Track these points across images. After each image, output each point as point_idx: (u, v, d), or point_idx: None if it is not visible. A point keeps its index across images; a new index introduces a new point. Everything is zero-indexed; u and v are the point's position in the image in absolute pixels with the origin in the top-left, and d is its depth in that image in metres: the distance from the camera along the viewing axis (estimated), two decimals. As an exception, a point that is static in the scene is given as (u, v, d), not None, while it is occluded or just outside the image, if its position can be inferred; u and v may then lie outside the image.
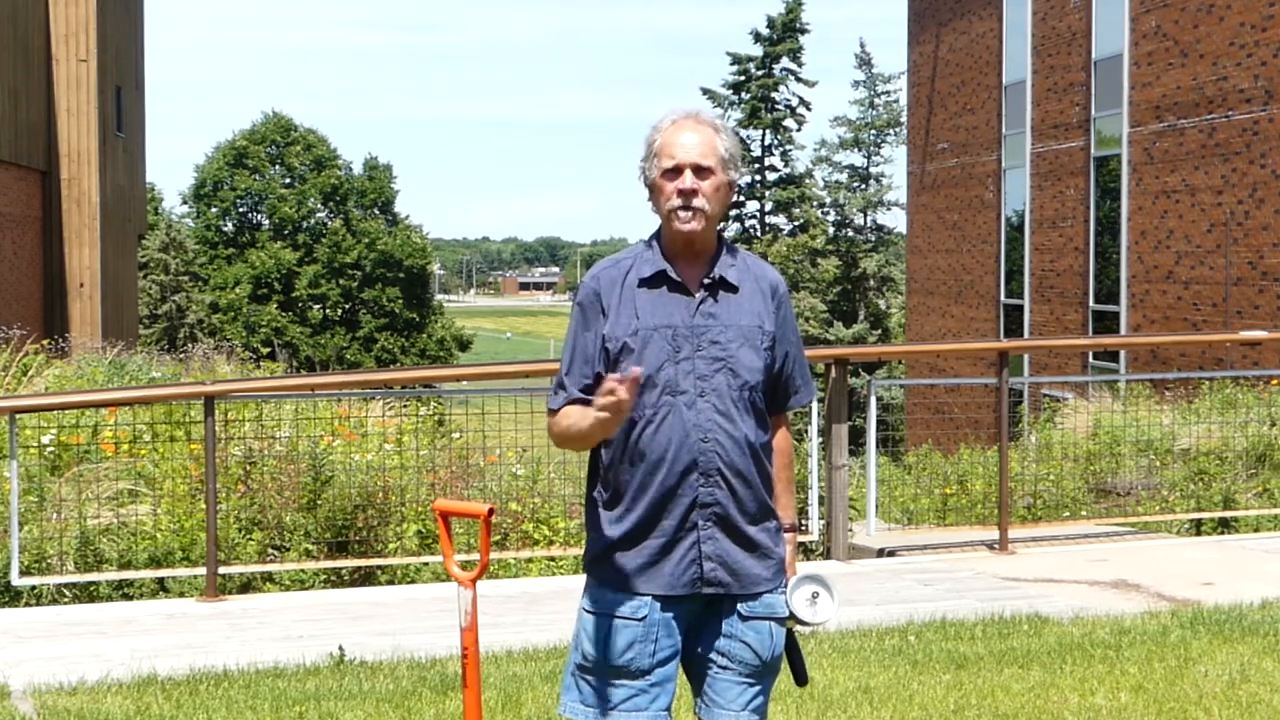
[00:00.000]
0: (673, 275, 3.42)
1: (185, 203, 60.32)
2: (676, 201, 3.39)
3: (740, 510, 3.40)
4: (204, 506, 8.11)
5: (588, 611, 3.45)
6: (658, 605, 3.39)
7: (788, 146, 50.11)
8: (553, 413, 3.50)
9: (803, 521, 9.54)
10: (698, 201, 3.39)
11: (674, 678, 3.44)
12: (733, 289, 3.45)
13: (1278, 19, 17.94)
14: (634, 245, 3.57)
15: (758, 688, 3.48)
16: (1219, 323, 18.80)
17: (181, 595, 8.22)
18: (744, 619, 3.44)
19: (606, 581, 3.42)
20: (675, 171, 3.40)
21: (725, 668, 3.44)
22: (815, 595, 3.51)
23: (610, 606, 3.40)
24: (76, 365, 16.40)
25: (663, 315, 3.40)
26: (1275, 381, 12.45)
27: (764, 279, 3.51)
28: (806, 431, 9.36)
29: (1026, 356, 23.77)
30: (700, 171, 3.40)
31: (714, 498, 3.38)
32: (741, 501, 3.40)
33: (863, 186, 50.50)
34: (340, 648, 6.40)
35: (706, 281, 3.43)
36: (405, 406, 11.14)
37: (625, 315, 3.41)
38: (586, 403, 3.38)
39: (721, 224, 3.59)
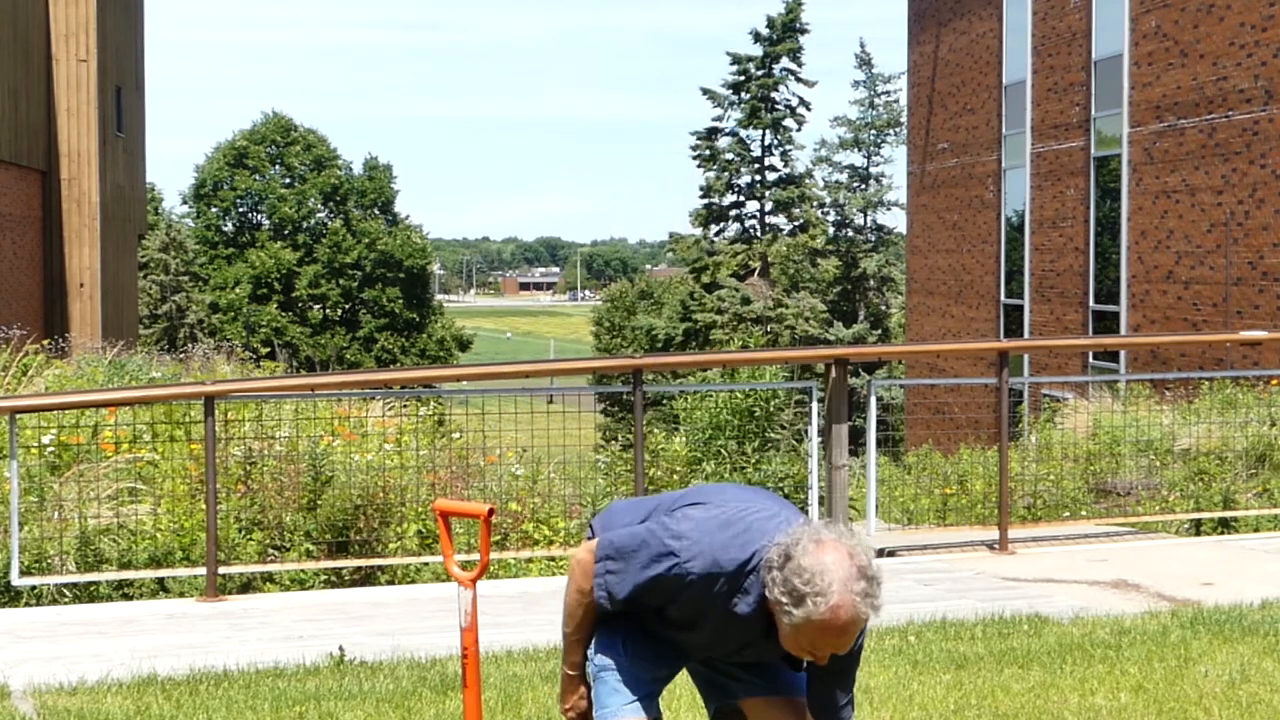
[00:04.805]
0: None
1: (185, 203, 60.39)
2: (803, 658, 3.33)
3: None
4: (204, 506, 8.11)
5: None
6: None
7: (788, 146, 50.11)
8: (582, 593, 3.39)
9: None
10: None
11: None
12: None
13: (1278, 19, 17.93)
14: (736, 563, 3.30)
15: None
16: (1219, 323, 18.79)
17: (181, 595, 8.22)
18: None
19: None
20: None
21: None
22: None
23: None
24: (76, 365, 16.39)
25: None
26: (1275, 381, 12.44)
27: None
28: (806, 431, 9.35)
29: (1026, 356, 23.76)
30: None
31: None
32: None
33: (863, 186, 50.46)
34: (340, 648, 6.40)
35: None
36: (405, 407, 11.14)
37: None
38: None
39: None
